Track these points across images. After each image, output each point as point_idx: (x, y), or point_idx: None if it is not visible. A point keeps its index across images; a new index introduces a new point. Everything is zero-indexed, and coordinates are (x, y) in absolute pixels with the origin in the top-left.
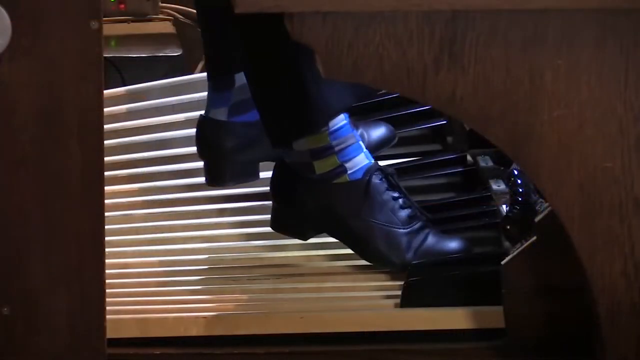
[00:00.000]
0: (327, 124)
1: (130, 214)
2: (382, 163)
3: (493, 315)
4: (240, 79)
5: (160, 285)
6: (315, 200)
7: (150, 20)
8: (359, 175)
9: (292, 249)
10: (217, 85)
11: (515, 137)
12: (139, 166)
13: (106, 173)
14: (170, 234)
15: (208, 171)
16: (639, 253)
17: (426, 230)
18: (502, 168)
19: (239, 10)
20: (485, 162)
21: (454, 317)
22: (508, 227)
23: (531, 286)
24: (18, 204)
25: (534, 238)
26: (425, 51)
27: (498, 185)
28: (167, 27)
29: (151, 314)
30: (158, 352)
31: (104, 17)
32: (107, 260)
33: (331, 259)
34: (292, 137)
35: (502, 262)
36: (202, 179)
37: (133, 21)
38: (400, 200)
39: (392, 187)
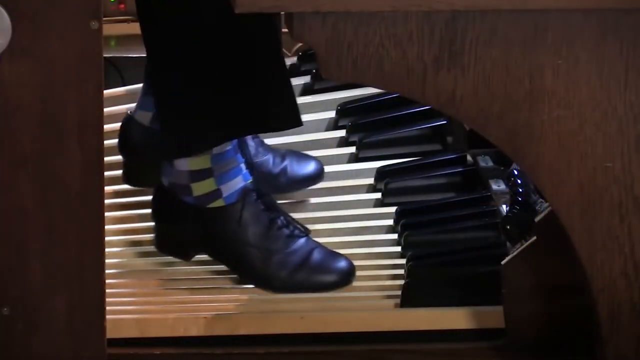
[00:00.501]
0: (212, 148)
1: (130, 214)
2: (382, 163)
3: (493, 315)
4: None
5: (160, 286)
6: (193, 223)
7: None
8: (234, 199)
9: None
10: (148, 89)
11: (515, 137)
12: None
13: (106, 173)
14: None
15: (125, 169)
16: (639, 253)
17: (309, 248)
18: (502, 168)
19: (239, 10)
20: (485, 162)
21: (454, 317)
22: (508, 227)
23: (531, 286)
24: (18, 204)
25: (534, 238)
26: (425, 51)
27: (498, 185)
28: None
29: (151, 314)
30: (158, 352)
31: (104, 17)
32: (107, 260)
33: None
34: (175, 154)
35: (502, 262)
36: None
37: (133, 21)
38: (278, 221)
39: (267, 207)
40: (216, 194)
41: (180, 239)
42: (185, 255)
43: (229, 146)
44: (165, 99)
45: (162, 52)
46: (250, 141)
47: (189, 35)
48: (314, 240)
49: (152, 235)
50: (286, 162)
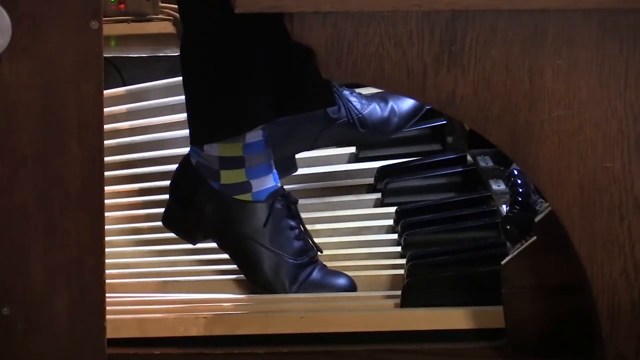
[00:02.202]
0: (245, 133)
1: (130, 214)
2: (382, 163)
3: (493, 315)
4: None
5: (160, 286)
6: (214, 209)
7: (150, 20)
8: (263, 197)
9: None
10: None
11: (515, 137)
12: (139, 166)
13: (106, 173)
14: (171, 233)
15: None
16: (639, 253)
17: (313, 265)
18: (502, 168)
19: (239, 10)
20: (485, 162)
21: (454, 317)
22: (508, 227)
23: (531, 286)
24: (18, 204)
25: (534, 238)
26: (425, 51)
27: (498, 185)
28: (167, 27)
29: (151, 314)
30: (158, 352)
31: (104, 17)
32: (107, 260)
33: (331, 259)
34: (206, 138)
35: (502, 262)
36: None
37: (133, 21)
38: (297, 231)
39: (291, 215)
40: (245, 186)
41: (195, 222)
42: (192, 238)
43: (260, 136)
44: (196, 84)
45: (197, 30)
46: (350, 97)
47: (223, 17)
48: (318, 258)
49: (152, 235)
50: (391, 103)
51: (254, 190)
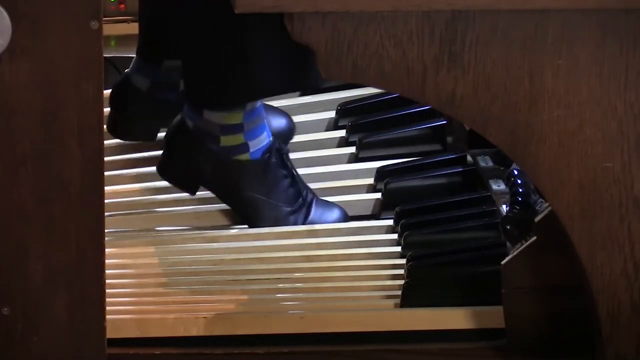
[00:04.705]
0: (247, 104)
1: (130, 214)
2: (382, 163)
3: (493, 315)
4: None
5: (160, 286)
6: (213, 169)
7: None
8: (259, 155)
9: (292, 249)
10: (149, 57)
11: (515, 137)
12: (139, 166)
13: (106, 173)
14: (171, 234)
15: (111, 121)
16: (639, 253)
17: (308, 207)
18: (502, 168)
19: (239, 10)
20: (485, 162)
21: (454, 317)
22: (508, 227)
23: (531, 286)
24: (18, 204)
25: (534, 238)
26: (425, 51)
27: (498, 185)
28: None
29: (151, 314)
30: (158, 352)
31: (104, 17)
32: (107, 260)
33: (331, 259)
34: (209, 107)
35: (502, 262)
36: None
37: (133, 21)
38: (289, 179)
39: (284, 165)
40: (243, 148)
41: (195, 178)
42: (191, 190)
43: (259, 102)
44: (204, 53)
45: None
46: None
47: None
48: (312, 195)
49: (152, 235)
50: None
51: (251, 150)
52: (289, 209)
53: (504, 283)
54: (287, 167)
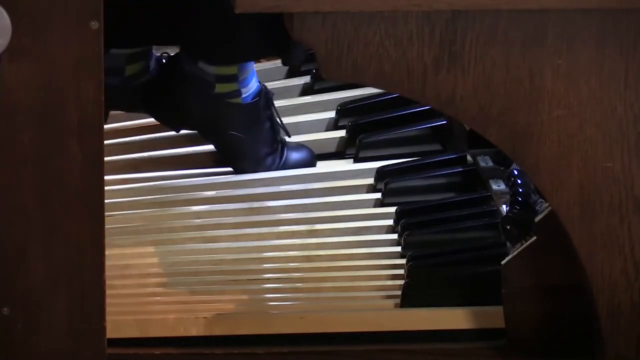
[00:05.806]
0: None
1: (130, 214)
2: (382, 163)
3: (493, 315)
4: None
5: (160, 285)
6: (203, 109)
7: None
8: (249, 99)
9: (292, 249)
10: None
11: (515, 137)
12: (139, 166)
13: (106, 173)
14: (171, 234)
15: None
16: (639, 253)
17: (282, 147)
18: (502, 168)
19: (239, 10)
20: (485, 162)
21: (454, 317)
22: (508, 227)
23: (531, 286)
24: (18, 204)
25: (534, 238)
26: (425, 51)
27: (498, 185)
28: None
29: (151, 314)
30: (158, 352)
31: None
32: (107, 261)
33: (331, 259)
34: (205, 61)
35: (502, 262)
36: (202, 179)
37: None
38: (270, 121)
39: (268, 106)
40: (236, 93)
41: (181, 116)
42: (174, 126)
43: None
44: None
45: None
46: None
47: None
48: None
49: (152, 235)
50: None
51: (243, 95)
52: (267, 149)
53: (504, 283)
54: (271, 110)
